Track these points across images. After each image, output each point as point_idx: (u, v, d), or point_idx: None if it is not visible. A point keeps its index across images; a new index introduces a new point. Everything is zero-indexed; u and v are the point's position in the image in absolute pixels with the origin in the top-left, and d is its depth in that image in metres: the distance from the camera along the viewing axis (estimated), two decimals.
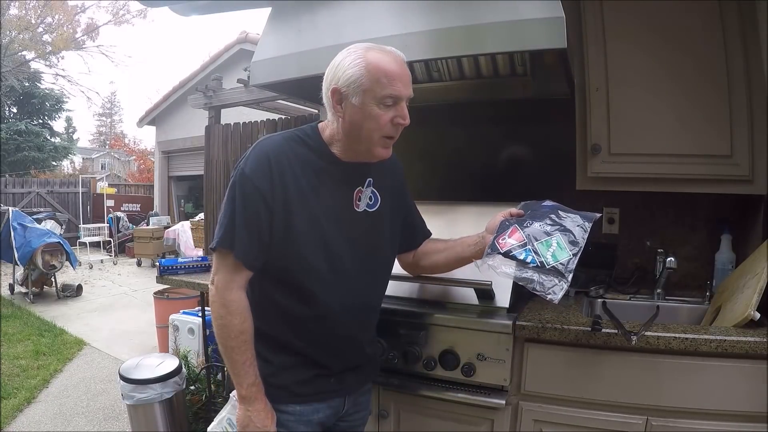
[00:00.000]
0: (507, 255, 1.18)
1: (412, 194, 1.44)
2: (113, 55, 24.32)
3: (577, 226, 1.21)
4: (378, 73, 1.09)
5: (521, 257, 1.17)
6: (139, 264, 8.80)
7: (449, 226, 1.74)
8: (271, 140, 1.18)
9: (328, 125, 1.20)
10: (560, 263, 1.14)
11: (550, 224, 1.22)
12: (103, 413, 3.08)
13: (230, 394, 1.23)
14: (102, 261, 9.01)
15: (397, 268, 1.42)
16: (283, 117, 4.93)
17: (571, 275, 1.14)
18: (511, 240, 1.20)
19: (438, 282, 1.56)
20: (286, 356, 1.20)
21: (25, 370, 3.70)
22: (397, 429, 1.61)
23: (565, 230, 1.20)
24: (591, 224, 1.23)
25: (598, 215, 1.27)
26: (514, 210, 1.31)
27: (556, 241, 1.17)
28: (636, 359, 1.36)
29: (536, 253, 1.16)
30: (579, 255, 1.16)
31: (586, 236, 1.19)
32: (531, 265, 1.15)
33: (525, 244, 1.18)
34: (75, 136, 23.86)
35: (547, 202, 1.32)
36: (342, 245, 1.18)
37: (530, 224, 1.23)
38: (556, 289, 1.12)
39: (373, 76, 1.09)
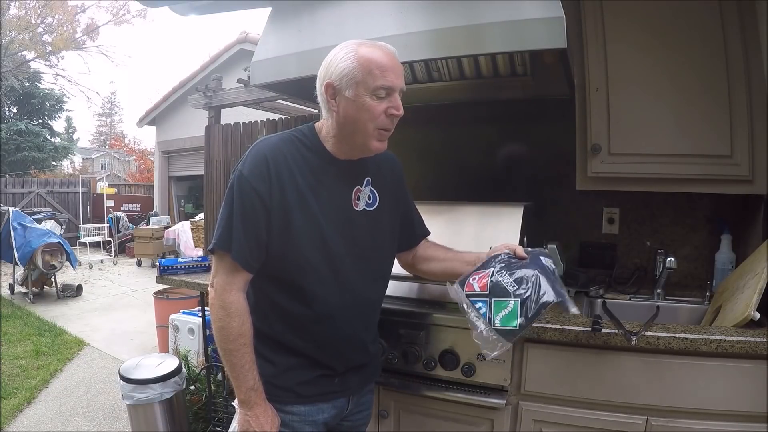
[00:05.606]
0: (467, 296, 1.21)
1: (411, 194, 1.44)
2: (113, 55, 24.50)
3: (541, 303, 1.17)
4: (370, 64, 1.10)
5: (476, 305, 1.19)
6: (139, 264, 8.80)
7: (449, 226, 1.74)
8: (268, 141, 1.18)
9: (324, 124, 1.20)
10: (504, 329, 1.16)
11: (519, 286, 1.19)
12: (103, 413, 3.08)
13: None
14: (102, 261, 9.01)
15: (397, 268, 1.42)
16: (283, 117, 4.93)
17: (510, 344, 1.16)
18: (476, 285, 1.22)
19: (438, 282, 1.55)
20: (289, 357, 1.20)
21: (25, 370, 3.70)
22: (397, 429, 1.61)
23: (528, 298, 1.17)
24: (551, 303, 1.18)
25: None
26: (519, 250, 1.27)
27: (513, 306, 1.17)
28: (636, 359, 1.36)
29: (490, 308, 1.18)
30: (524, 329, 1.16)
31: (539, 316, 1.18)
32: (483, 316, 1.18)
33: (486, 296, 1.19)
34: (75, 136, 23.94)
35: (545, 260, 1.26)
36: (341, 245, 1.18)
37: (505, 274, 1.22)
38: (490, 348, 1.16)
39: (365, 68, 1.10)
